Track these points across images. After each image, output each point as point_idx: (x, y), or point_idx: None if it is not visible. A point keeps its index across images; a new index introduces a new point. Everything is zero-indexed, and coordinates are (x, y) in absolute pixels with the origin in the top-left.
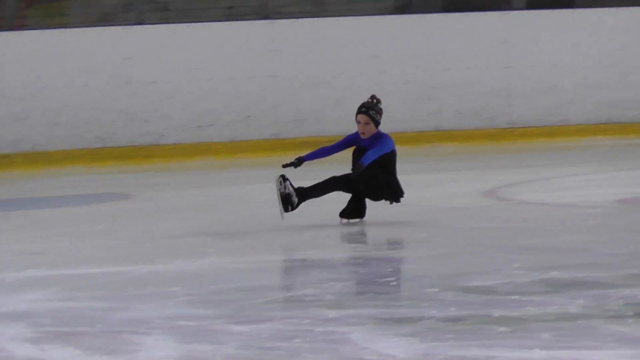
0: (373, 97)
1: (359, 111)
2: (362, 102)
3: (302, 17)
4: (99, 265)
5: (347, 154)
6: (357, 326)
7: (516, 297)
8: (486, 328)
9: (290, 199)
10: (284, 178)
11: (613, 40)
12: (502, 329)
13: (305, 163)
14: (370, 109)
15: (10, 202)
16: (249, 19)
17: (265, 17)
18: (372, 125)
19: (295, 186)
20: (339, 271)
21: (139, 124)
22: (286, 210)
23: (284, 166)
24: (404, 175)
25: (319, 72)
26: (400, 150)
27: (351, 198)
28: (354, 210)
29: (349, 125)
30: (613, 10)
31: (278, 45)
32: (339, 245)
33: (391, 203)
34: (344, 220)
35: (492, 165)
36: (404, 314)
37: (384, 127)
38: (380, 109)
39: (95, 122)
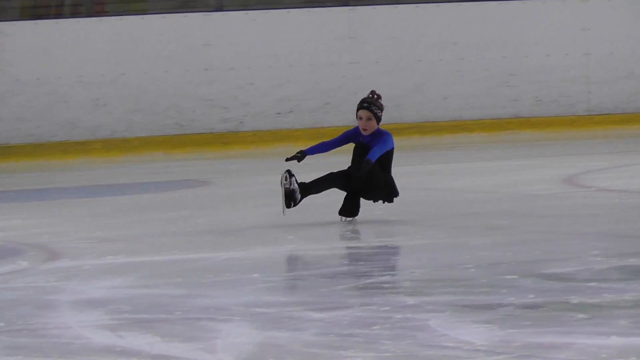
0: (373, 92)
1: (361, 107)
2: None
3: (381, 4)
4: (178, 252)
5: (348, 148)
6: (436, 313)
7: (594, 284)
8: (564, 315)
9: (294, 195)
10: (290, 174)
11: None
12: (579, 315)
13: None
14: (372, 105)
15: (89, 189)
16: (329, 6)
17: (345, 3)
18: (373, 121)
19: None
20: (417, 258)
21: (218, 111)
22: (288, 206)
23: (288, 160)
24: (484, 162)
25: (398, 58)
26: (480, 137)
27: (347, 196)
28: (353, 209)
29: (427, 111)
30: None
31: (357, 32)
32: (418, 233)
33: (384, 202)
34: (344, 219)
35: (571, 152)
36: (482, 301)
37: (388, 120)
38: (382, 105)
39: (175, 109)
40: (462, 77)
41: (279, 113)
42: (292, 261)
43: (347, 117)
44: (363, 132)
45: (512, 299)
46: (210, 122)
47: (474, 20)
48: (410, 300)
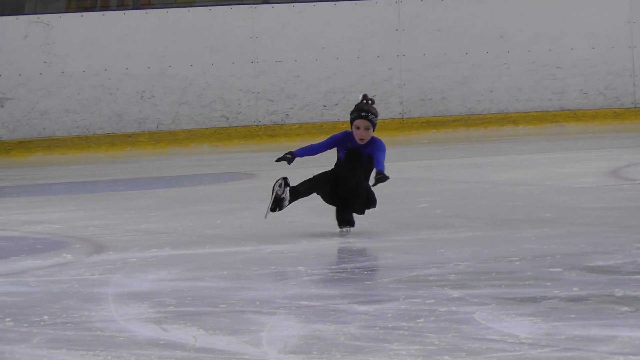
0: (365, 97)
1: (359, 116)
2: (366, 99)
3: None
4: (223, 245)
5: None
6: (480, 306)
7: (638, 277)
8: (608, 308)
9: (282, 203)
10: (285, 182)
11: None
12: (624, 308)
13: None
14: (370, 114)
15: (135, 181)
16: None
17: None
18: (371, 131)
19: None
20: (462, 251)
21: (264, 103)
22: (273, 210)
23: (277, 160)
24: (529, 155)
25: (445, 51)
26: (525, 130)
27: (338, 208)
28: (350, 218)
29: (473, 104)
30: None
31: (404, 25)
32: (462, 225)
33: (359, 213)
34: (346, 229)
35: (616, 145)
36: (527, 294)
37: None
38: (377, 111)
39: (221, 102)
40: (508, 70)
41: (325, 105)
42: (337, 254)
43: (393, 110)
44: (359, 142)
45: (557, 291)
46: (257, 115)
47: (520, 13)
48: (455, 293)
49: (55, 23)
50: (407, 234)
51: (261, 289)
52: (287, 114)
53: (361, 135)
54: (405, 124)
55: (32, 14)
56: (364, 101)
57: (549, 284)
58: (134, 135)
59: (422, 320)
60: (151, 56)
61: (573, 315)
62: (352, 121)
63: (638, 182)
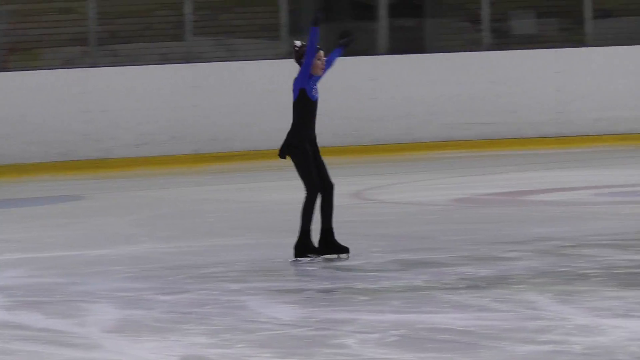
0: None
1: (319, 49)
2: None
3: (217, 61)
4: (60, 250)
5: None
6: (254, 296)
7: (374, 273)
8: (351, 297)
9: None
10: (313, 257)
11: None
12: (363, 297)
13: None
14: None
15: None
16: (177, 63)
17: (189, 61)
18: None
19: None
20: (240, 253)
21: (93, 143)
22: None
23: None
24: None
25: (229, 102)
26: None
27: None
28: (334, 244)
29: (257, 142)
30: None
31: (199, 83)
32: (241, 234)
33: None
34: (344, 256)
35: (360, 173)
36: (289, 287)
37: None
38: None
39: (59, 142)
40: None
41: (137, 145)
42: (147, 257)
43: (189, 147)
44: (319, 73)
45: (312, 285)
46: (87, 151)
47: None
48: (234, 286)
49: None
50: (199, 241)
51: (88, 283)
52: (110, 151)
53: (322, 64)
54: (199, 158)
55: None
56: (300, 44)
57: (307, 279)
58: None
59: (209, 307)
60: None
61: (324, 303)
62: (311, 56)
63: (376, 201)
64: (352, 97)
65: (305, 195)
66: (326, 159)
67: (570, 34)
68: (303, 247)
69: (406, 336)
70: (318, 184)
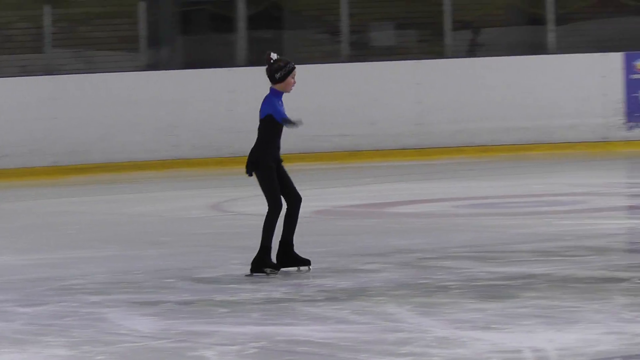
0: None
1: (293, 68)
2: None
3: (76, 73)
4: None
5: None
6: (114, 308)
7: (234, 285)
8: (211, 309)
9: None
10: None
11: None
12: (222, 309)
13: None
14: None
15: None
16: (36, 75)
17: (48, 73)
18: None
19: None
20: (100, 266)
21: None
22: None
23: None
24: (152, 192)
25: (88, 114)
26: (149, 174)
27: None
28: (294, 256)
29: (116, 154)
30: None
31: (58, 95)
32: (101, 246)
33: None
34: (304, 268)
35: (219, 185)
36: (149, 299)
37: None
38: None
39: None
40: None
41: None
42: (6, 269)
43: (47, 160)
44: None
45: (172, 297)
46: None
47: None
48: (94, 299)
49: None
50: (59, 253)
51: None
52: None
53: (294, 83)
54: (57, 171)
55: None
56: (277, 57)
57: (166, 291)
58: None
59: (69, 319)
60: None
61: (184, 315)
62: (285, 76)
63: (233, 213)
64: (211, 109)
65: (268, 211)
66: (184, 171)
67: (429, 45)
68: (262, 263)
69: (266, 348)
70: (281, 203)
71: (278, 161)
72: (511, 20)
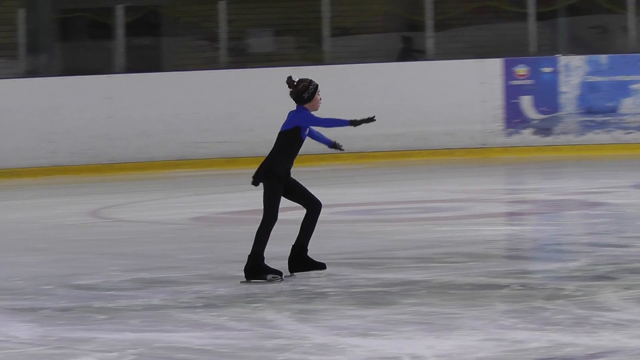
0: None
1: (317, 86)
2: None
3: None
4: None
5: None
6: None
7: (113, 292)
8: (89, 316)
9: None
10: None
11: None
12: (101, 316)
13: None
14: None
15: None
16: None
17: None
18: None
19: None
20: None
21: None
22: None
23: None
24: (27, 200)
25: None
26: (24, 181)
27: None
28: (305, 260)
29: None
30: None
31: None
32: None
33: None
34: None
35: (97, 192)
36: (26, 305)
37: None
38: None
39: None
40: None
41: None
42: None
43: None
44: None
45: (50, 304)
46: None
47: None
48: None
49: None
50: None
51: None
52: None
53: (320, 102)
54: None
55: None
56: (298, 79)
57: (44, 297)
58: None
59: None
60: None
61: (62, 322)
62: (312, 95)
63: (111, 220)
64: (88, 116)
65: (262, 221)
66: (60, 178)
67: (308, 52)
68: (260, 270)
69: (144, 355)
70: (276, 216)
71: (288, 173)
72: (389, 27)
